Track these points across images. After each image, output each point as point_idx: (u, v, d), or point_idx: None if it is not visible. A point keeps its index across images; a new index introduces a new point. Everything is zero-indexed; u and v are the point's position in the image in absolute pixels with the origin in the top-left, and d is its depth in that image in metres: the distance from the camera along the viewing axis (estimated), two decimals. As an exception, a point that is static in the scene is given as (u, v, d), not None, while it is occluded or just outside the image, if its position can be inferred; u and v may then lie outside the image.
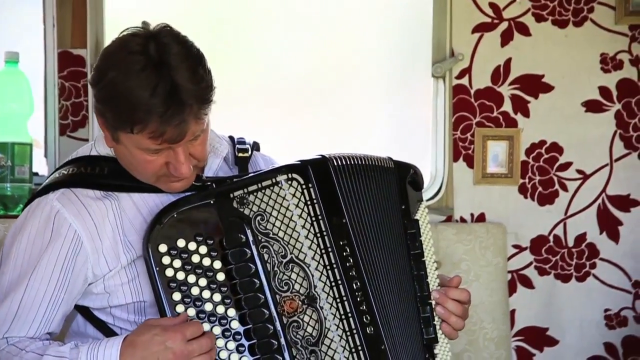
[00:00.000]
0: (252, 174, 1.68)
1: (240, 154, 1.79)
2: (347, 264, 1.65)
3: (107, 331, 1.67)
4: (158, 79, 1.50)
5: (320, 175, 1.66)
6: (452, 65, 2.72)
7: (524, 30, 2.72)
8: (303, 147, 2.87)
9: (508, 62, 2.73)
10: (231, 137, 1.84)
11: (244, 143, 1.82)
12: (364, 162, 1.71)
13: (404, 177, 1.78)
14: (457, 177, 2.75)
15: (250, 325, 1.60)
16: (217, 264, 1.61)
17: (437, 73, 2.73)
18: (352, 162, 1.70)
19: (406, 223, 1.75)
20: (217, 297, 1.61)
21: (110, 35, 2.71)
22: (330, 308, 1.64)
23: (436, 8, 2.72)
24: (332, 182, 1.67)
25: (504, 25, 2.72)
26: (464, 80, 2.73)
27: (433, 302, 1.75)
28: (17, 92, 2.54)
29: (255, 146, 1.84)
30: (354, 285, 1.65)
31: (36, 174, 2.62)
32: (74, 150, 2.55)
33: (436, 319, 1.76)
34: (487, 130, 2.74)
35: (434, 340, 1.75)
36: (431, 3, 2.72)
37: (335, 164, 1.67)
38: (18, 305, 1.61)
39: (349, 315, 1.64)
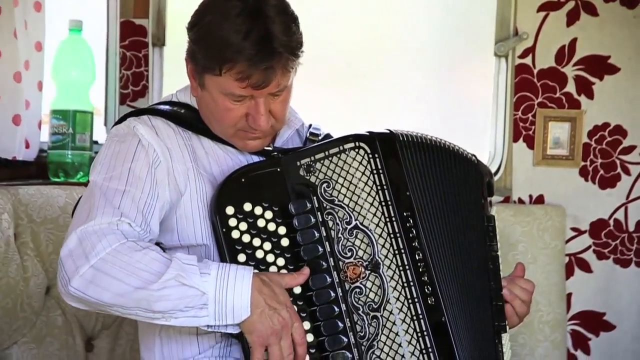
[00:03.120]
0: (319, 143, 1.73)
1: (312, 137, 1.84)
2: (410, 235, 1.69)
3: None
4: (252, 25, 1.59)
5: (387, 147, 1.70)
6: (515, 44, 2.72)
7: (591, 10, 2.72)
8: (360, 123, 2.89)
9: (573, 42, 2.73)
10: (310, 125, 1.90)
11: (318, 129, 1.87)
12: (433, 143, 1.75)
13: (483, 175, 1.82)
14: (516, 157, 2.77)
15: (313, 290, 1.63)
16: (282, 230, 1.65)
17: (499, 52, 2.73)
18: (419, 141, 1.74)
19: (486, 216, 1.79)
20: (280, 261, 1.65)
21: (171, 5, 2.76)
22: (393, 275, 1.67)
23: (502, -14, 2.74)
24: (397, 155, 1.71)
25: (570, 5, 2.72)
26: (527, 60, 2.74)
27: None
28: (80, 61, 2.59)
29: (327, 136, 1.87)
30: (417, 255, 1.68)
31: (96, 142, 2.67)
32: (135, 119, 2.54)
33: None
34: (549, 111, 2.75)
35: (503, 328, 1.77)
36: (496, -19, 2.74)
37: (402, 139, 1.72)
38: (119, 202, 1.62)
39: (411, 283, 1.67)
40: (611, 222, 2.78)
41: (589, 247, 2.79)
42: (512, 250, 2.65)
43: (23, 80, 2.47)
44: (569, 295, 2.77)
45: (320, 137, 1.85)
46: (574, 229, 2.78)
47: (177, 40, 2.74)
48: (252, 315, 1.56)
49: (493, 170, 2.77)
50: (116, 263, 1.55)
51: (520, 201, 2.78)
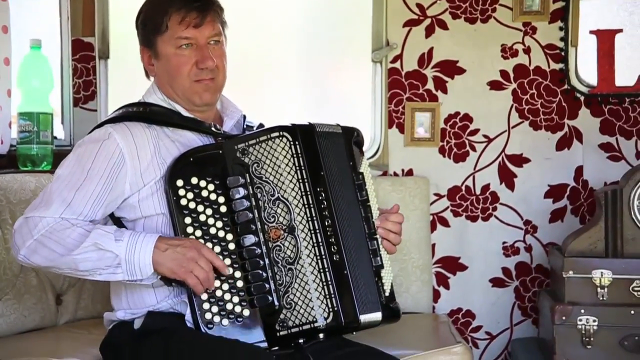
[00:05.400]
0: (252, 132, 1.91)
1: (248, 128, 2.05)
2: (322, 206, 1.84)
3: None
4: None
5: (307, 136, 1.86)
6: (387, 53, 2.99)
7: (443, 25, 3.00)
8: (272, 119, 2.91)
9: (431, 50, 3.01)
10: (244, 116, 2.07)
11: (252, 122, 2.06)
12: (330, 130, 1.93)
13: (350, 138, 1.96)
14: (391, 140, 3.02)
15: (244, 247, 1.81)
16: (221, 199, 1.82)
17: (375, 58, 3.00)
18: (327, 130, 1.91)
19: (354, 175, 1.92)
20: (219, 223, 1.82)
21: (114, 25, 2.98)
22: (305, 237, 1.83)
23: (375, 7, 3.01)
24: (314, 143, 1.87)
25: (427, 22, 3.01)
26: (397, 65, 3.00)
27: (377, 230, 1.92)
28: (40, 72, 2.80)
29: (260, 126, 2.05)
30: (326, 222, 1.84)
31: (55, 137, 2.89)
32: (86, 118, 2.84)
33: (382, 249, 1.92)
34: (414, 104, 3.01)
35: (381, 267, 1.91)
36: (371, 3, 3.01)
37: (318, 130, 1.89)
38: (72, 196, 1.81)
39: (320, 244, 1.83)
40: (463, 188, 3.02)
41: (447, 207, 3.03)
42: (390, 213, 2.83)
43: (-6, 90, 2.59)
44: (434, 245, 3.00)
45: (254, 128, 2.00)
46: (436, 194, 3.02)
47: (118, 54, 3.00)
48: (160, 258, 1.73)
49: (373, 151, 3.02)
50: (52, 237, 1.78)
51: (395, 174, 3.00)
